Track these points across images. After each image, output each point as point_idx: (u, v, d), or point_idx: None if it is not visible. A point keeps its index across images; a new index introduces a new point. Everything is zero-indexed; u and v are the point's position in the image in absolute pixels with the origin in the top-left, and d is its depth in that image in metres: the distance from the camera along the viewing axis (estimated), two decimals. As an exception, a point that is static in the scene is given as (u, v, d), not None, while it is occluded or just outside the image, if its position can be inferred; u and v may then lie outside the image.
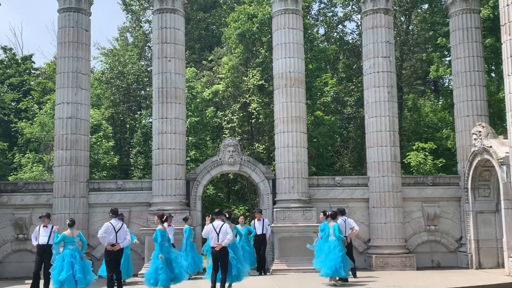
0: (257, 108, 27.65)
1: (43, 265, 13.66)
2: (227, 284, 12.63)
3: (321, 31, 32.47)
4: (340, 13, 32.34)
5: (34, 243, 13.87)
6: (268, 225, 17.48)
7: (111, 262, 12.46)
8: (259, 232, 16.85)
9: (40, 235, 13.76)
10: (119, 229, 12.55)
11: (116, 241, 12.43)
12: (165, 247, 12.20)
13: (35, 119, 28.00)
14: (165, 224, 12.82)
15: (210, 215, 14.50)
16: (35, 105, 30.54)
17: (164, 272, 11.99)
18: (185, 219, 16.63)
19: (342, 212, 15.81)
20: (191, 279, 15.79)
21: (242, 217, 17.39)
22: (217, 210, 13.15)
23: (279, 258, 17.34)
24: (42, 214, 14.13)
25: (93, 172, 24.71)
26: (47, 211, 15.07)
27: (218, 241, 12.33)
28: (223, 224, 12.58)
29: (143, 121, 33.01)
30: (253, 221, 17.00)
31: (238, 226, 16.60)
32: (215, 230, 12.47)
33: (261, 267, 16.98)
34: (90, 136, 20.25)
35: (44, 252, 13.65)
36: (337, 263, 13.71)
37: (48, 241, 13.67)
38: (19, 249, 17.79)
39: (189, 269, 15.23)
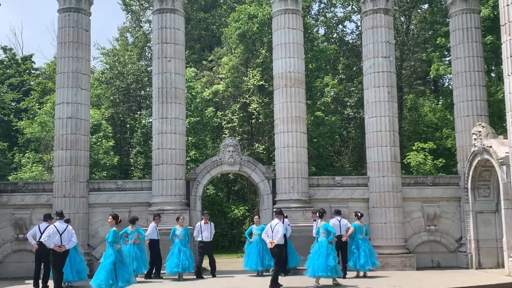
0: (257, 108, 27.68)
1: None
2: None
3: (321, 31, 32.52)
4: (340, 13, 32.39)
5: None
6: (289, 224, 16.74)
7: (57, 263, 12.77)
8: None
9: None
10: (63, 231, 12.86)
11: (61, 243, 12.72)
12: (120, 249, 12.49)
13: (35, 118, 28.02)
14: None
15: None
16: (36, 104, 30.56)
17: (111, 273, 12.12)
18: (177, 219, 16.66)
19: (337, 213, 16.28)
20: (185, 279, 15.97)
21: (257, 216, 17.31)
22: (277, 209, 14.54)
23: (279, 258, 17.30)
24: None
25: (93, 172, 24.73)
26: (50, 211, 15.03)
27: (272, 239, 13.56)
28: (277, 223, 13.71)
29: (143, 121, 33.01)
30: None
31: (254, 226, 16.67)
32: (271, 228, 13.75)
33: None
34: (90, 136, 20.25)
35: None
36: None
37: None
38: (19, 249, 17.77)
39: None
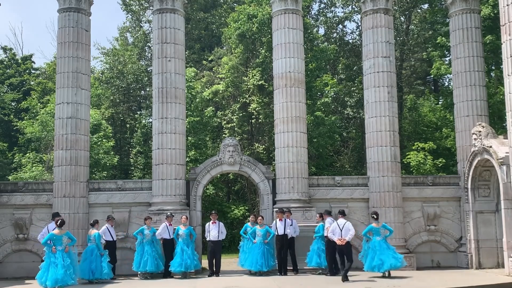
0: (257, 108, 27.69)
1: None
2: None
3: (321, 31, 32.53)
4: (340, 13, 32.38)
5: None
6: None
7: None
8: (292, 232, 16.77)
9: None
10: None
11: None
12: (58, 251, 13.54)
13: (37, 118, 28.01)
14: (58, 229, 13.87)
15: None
16: (38, 104, 30.54)
17: (46, 273, 13.38)
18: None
19: (330, 213, 16.64)
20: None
21: (260, 217, 17.28)
22: (341, 210, 15.96)
23: (279, 258, 17.32)
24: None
25: (93, 172, 24.71)
26: (50, 212, 15.24)
27: (341, 237, 14.95)
28: (345, 222, 15.27)
29: (143, 121, 33.02)
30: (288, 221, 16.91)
31: (257, 226, 16.70)
32: (339, 227, 15.17)
33: (293, 267, 16.84)
34: (90, 136, 20.25)
35: None
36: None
37: None
38: (19, 249, 17.77)
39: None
